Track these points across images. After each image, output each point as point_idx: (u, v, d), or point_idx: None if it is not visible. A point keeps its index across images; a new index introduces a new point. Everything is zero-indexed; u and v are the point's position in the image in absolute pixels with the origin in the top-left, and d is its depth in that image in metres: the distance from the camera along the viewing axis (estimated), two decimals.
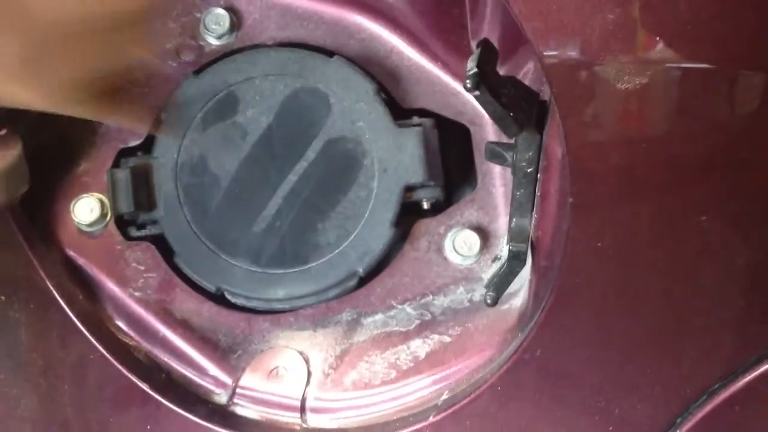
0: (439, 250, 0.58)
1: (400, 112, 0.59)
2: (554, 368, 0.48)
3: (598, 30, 0.38)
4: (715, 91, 0.40)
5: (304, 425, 0.55)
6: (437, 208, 0.59)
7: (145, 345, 0.57)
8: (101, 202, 0.57)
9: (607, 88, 0.39)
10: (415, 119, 0.59)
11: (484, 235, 0.57)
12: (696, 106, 0.40)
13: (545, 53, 0.39)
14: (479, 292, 0.56)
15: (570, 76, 0.39)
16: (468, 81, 0.43)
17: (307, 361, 0.56)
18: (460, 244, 0.57)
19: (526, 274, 0.51)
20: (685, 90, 0.39)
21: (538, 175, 0.48)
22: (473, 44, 0.56)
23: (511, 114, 0.44)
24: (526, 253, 0.49)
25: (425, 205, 0.59)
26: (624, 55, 0.38)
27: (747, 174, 0.42)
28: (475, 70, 0.43)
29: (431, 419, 0.51)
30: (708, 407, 0.47)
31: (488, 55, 0.45)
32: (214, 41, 0.60)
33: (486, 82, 0.43)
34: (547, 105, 0.46)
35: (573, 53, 0.39)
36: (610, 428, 0.49)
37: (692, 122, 0.41)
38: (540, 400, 0.49)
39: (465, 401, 0.50)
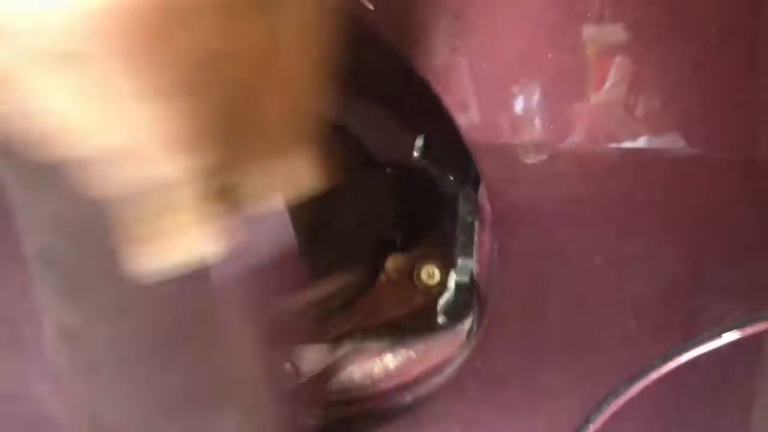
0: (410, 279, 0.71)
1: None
2: (491, 375, 0.61)
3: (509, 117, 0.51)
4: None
5: None
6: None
7: None
8: None
9: (516, 162, 0.52)
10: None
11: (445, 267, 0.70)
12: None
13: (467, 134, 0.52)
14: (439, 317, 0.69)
15: (489, 152, 0.52)
16: (416, 152, 0.56)
17: None
18: (425, 275, 0.71)
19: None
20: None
21: (475, 225, 0.61)
22: None
23: (451, 177, 0.57)
24: (469, 286, 0.62)
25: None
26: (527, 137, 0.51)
27: None
28: (421, 143, 0.56)
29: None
30: (613, 406, 0.59)
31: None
32: None
33: (430, 152, 0.56)
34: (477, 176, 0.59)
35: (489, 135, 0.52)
36: (538, 424, 0.62)
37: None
38: (482, 400, 0.62)
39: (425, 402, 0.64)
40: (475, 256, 0.61)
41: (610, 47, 0.49)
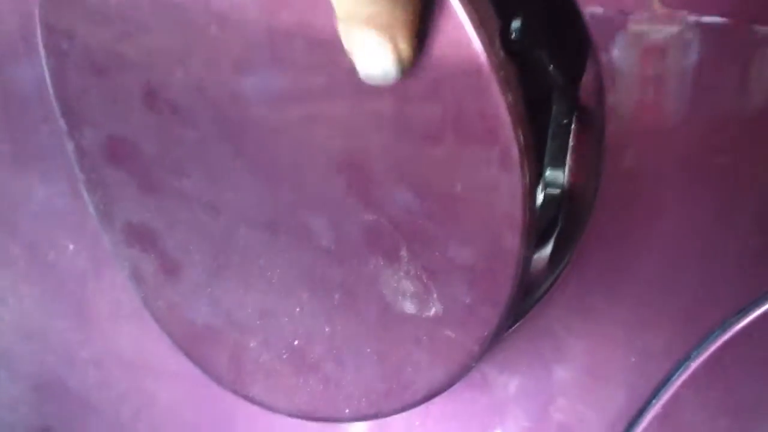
0: None
1: None
2: (583, 305, 0.54)
3: None
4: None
5: None
6: None
7: None
8: None
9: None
10: None
11: None
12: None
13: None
14: None
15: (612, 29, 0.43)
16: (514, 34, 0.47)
17: None
18: None
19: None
20: None
21: (572, 126, 0.52)
22: None
23: (551, 67, 0.49)
24: (558, 199, 0.54)
25: None
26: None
27: None
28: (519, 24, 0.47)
29: None
30: (723, 339, 0.52)
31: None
32: None
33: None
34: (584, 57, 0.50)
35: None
36: (633, 359, 0.54)
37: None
38: (570, 330, 0.55)
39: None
40: (568, 166, 0.53)
41: None
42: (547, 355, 0.57)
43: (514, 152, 0.40)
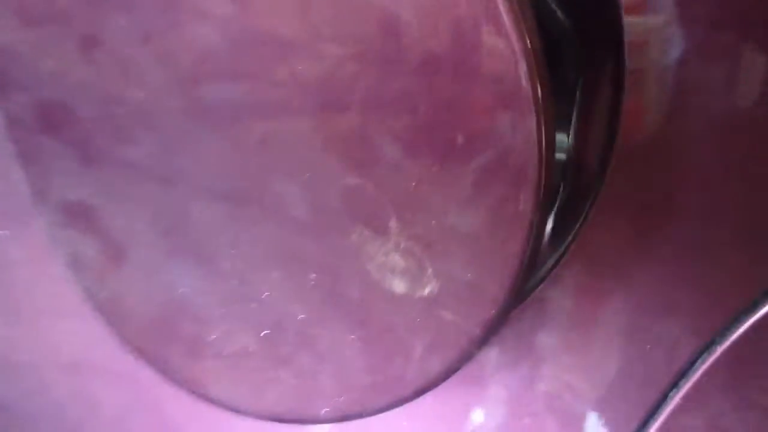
0: None
1: None
2: (591, 287, 0.47)
3: None
4: None
5: None
6: None
7: None
8: None
9: None
10: None
11: None
12: None
13: None
14: None
15: None
16: None
17: None
18: None
19: None
20: None
21: (580, 85, 0.46)
22: None
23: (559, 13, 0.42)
24: (562, 165, 0.48)
25: None
26: None
27: None
28: None
29: None
30: (751, 322, 0.46)
31: None
32: None
33: None
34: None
35: None
36: (648, 347, 0.48)
37: None
38: (577, 317, 0.49)
39: None
40: (574, 129, 0.47)
41: None
42: (548, 345, 0.51)
43: (526, 90, 0.34)
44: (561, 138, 0.48)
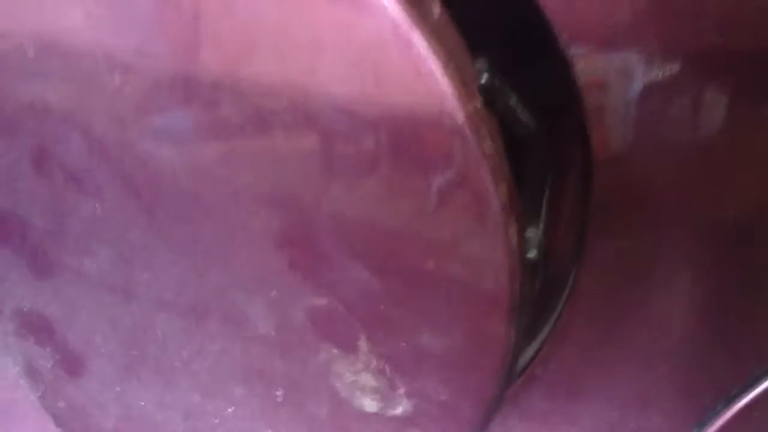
0: None
1: None
2: (569, 383, 0.46)
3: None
4: None
5: None
6: None
7: None
8: None
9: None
10: None
11: None
12: None
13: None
14: None
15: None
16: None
17: None
18: None
19: None
20: None
21: (548, 178, 0.45)
22: None
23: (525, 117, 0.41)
24: (534, 263, 0.46)
25: None
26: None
27: None
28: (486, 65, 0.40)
29: None
30: (726, 415, 0.45)
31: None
32: None
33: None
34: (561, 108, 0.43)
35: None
36: None
37: None
38: (553, 416, 0.47)
39: None
40: (543, 225, 0.45)
41: None
42: None
43: (497, 212, 0.33)
44: (531, 233, 0.46)
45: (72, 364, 0.48)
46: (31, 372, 0.50)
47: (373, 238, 0.35)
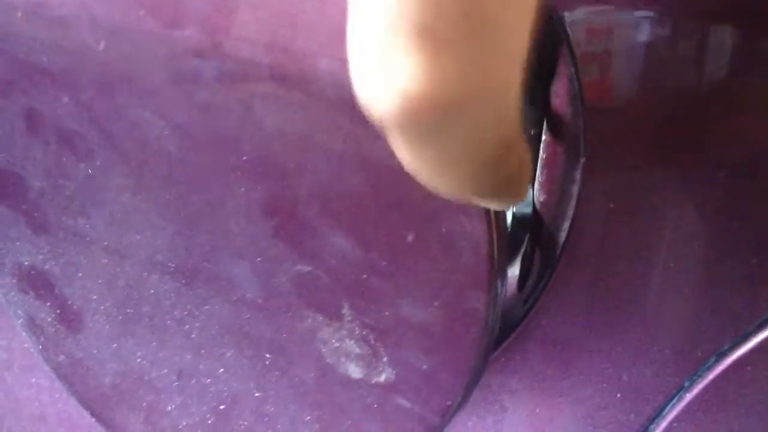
0: None
1: None
2: (561, 337, 0.46)
3: None
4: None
5: None
6: None
7: None
8: None
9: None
10: None
11: None
12: None
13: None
14: None
15: None
16: None
17: None
18: None
19: None
20: None
21: (543, 137, 0.44)
22: None
23: None
24: (527, 220, 0.46)
25: None
26: None
27: None
28: None
29: None
30: (717, 369, 0.45)
31: None
32: None
33: None
34: (554, 61, 0.42)
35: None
36: (618, 395, 0.47)
37: None
38: (545, 370, 0.47)
39: None
40: (539, 180, 0.45)
41: None
42: (518, 391, 0.49)
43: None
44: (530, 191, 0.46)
45: (71, 320, 0.49)
46: (32, 326, 0.51)
47: (353, 208, 0.35)
